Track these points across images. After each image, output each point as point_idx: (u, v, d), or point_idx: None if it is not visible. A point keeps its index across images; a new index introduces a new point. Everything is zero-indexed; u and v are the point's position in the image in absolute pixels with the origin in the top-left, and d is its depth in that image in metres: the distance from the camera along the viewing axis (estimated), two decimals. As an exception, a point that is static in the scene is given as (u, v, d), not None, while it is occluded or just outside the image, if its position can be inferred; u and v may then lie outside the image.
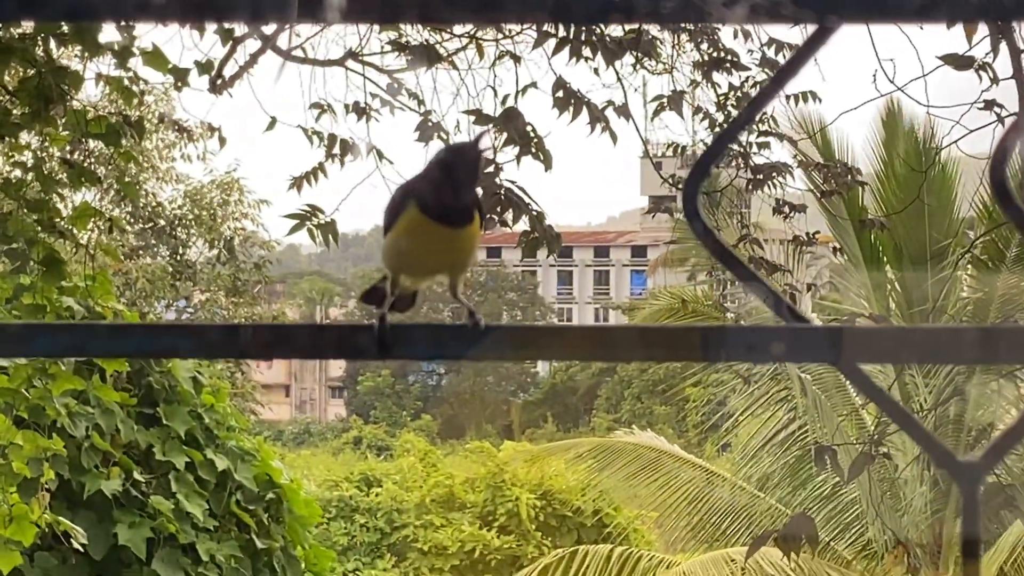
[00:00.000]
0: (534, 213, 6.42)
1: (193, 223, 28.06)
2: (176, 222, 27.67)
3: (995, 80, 5.62)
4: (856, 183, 8.79)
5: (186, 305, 28.71)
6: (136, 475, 9.18)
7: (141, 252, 24.87)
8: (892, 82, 6.10)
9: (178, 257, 27.58)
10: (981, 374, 14.96)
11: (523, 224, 7.35)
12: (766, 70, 7.51)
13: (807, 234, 8.67)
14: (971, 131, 6.42)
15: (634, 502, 20.71)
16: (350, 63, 7.53)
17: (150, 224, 26.29)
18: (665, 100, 7.46)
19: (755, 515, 16.66)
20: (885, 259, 16.08)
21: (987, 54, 5.53)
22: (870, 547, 16.07)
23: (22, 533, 6.05)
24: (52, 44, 6.36)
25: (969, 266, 15.45)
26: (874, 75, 6.26)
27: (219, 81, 7.16)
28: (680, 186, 8.46)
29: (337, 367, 66.36)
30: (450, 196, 1.61)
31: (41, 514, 6.35)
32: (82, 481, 8.86)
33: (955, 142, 6.92)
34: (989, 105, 5.74)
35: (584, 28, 7.47)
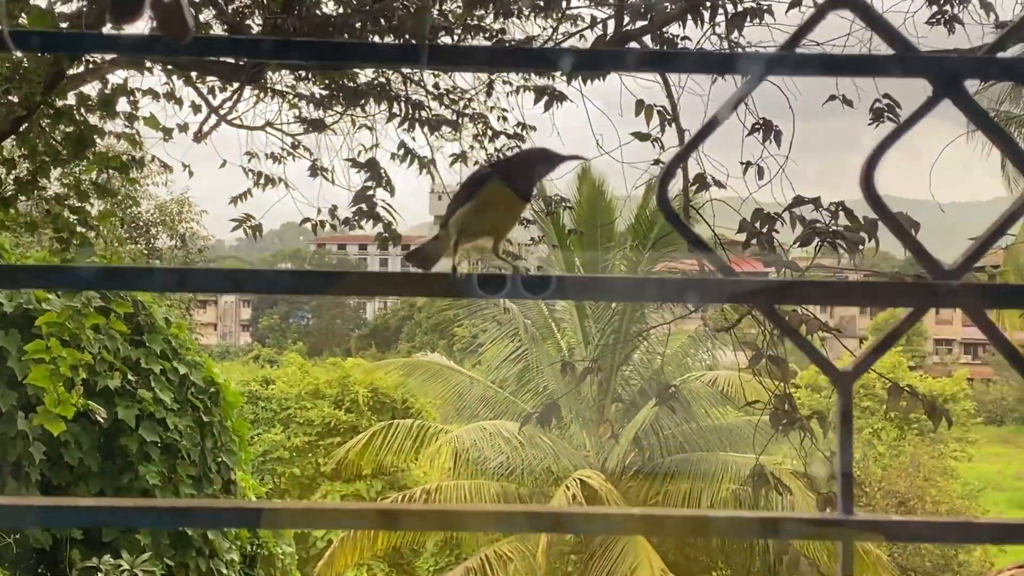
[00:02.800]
0: (385, 222, 7.22)
1: (160, 224, 31.17)
2: (150, 223, 30.57)
3: (663, 147, 6.21)
4: (565, 207, 10.94)
5: None
6: (129, 376, 10.50)
7: (128, 241, 27.21)
8: (600, 147, 6.70)
9: (151, 245, 30.52)
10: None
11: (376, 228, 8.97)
12: (516, 141, 8.25)
13: (535, 237, 10.05)
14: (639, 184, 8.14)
15: (426, 395, 23.20)
16: (268, 128, 8.15)
17: (134, 224, 28.92)
18: (457, 156, 8.28)
19: (497, 403, 19.05)
20: (575, 251, 19.01)
21: (658, 132, 6.29)
22: (566, 423, 18.61)
23: (66, 411, 6.78)
24: (83, 109, 6.71)
25: (622, 257, 18.76)
26: (597, 141, 6.83)
27: (198, 134, 7.57)
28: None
29: (246, 313, 71.91)
30: (526, 177, 1.62)
31: (77, 399, 7.05)
32: (97, 380, 10.07)
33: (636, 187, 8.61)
34: (657, 162, 6.39)
35: (413, 110, 9.06)
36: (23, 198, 6.95)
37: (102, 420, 9.21)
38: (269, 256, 70.97)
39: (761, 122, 5.78)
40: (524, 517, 0.93)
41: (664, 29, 5.89)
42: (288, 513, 1.08)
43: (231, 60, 6.78)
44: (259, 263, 71.91)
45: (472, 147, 8.51)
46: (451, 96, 7.97)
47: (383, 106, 7.97)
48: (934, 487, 23.99)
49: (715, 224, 5.46)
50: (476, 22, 6.71)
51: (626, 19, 5.88)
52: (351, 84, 7.84)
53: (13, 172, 6.95)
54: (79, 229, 7.00)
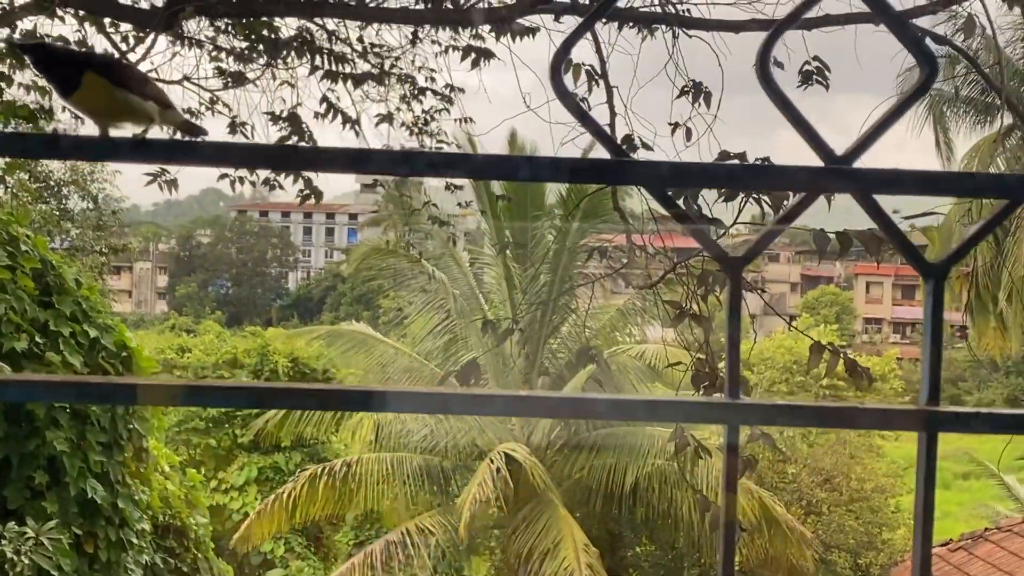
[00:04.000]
0: (306, 178, 7.30)
1: (72, 184, 30.47)
2: (61, 183, 29.84)
3: (590, 107, 7.54)
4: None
5: (66, 238, 31.00)
6: (37, 339, 10.27)
7: (39, 201, 26.70)
8: (528, 106, 6.73)
9: (62, 206, 29.85)
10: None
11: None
12: (444, 103, 8.48)
13: (464, 203, 10.32)
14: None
15: (348, 366, 22.69)
16: (186, 83, 8.06)
17: (43, 183, 28.25)
18: (383, 116, 8.24)
19: (422, 375, 19.01)
20: (504, 219, 19.17)
21: (585, 91, 7.58)
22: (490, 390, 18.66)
23: None
24: None
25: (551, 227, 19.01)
26: (524, 100, 6.81)
27: None
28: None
29: (163, 280, 71.52)
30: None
31: None
32: (2, 342, 9.87)
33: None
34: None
35: (336, 63, 9.00)
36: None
37: None
38: (187, 222, 70.08)
39: (691, 83, 5.82)
40: (377, 396, 0.92)
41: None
42: (147, 389, 1.07)
43: (146, 5, 6.67)
44: (177, 228, 71.36)
45: (399, 108, 8.50)
46: (377, 53, 7.92)
47: (305, 59, 7.89)
48: (859, 465, 24.48)
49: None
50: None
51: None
52: (272, 37, 7.76)
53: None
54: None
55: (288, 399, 0.90)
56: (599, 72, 5.84)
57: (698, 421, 0.81)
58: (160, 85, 8.18)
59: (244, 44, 8.13)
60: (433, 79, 8.70)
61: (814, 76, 5.25)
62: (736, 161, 4.60)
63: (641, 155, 5.70)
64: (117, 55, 7.81)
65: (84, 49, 7.51)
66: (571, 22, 5.85)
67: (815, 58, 5.29)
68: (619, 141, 5.66)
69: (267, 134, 8.01)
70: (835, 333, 37.04)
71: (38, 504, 10.48)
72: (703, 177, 0.90)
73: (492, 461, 15.46)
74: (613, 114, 5.69)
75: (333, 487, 16.50)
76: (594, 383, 17.48)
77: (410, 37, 7.34)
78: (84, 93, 1.58)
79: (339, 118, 7.93)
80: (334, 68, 7.75)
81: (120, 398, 0.97)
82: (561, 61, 0.98)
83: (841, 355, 4.60)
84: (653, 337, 19.31)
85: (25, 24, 7.36)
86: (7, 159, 7.34)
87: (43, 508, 10.44)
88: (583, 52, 6.13)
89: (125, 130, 1.63)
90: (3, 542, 9.61)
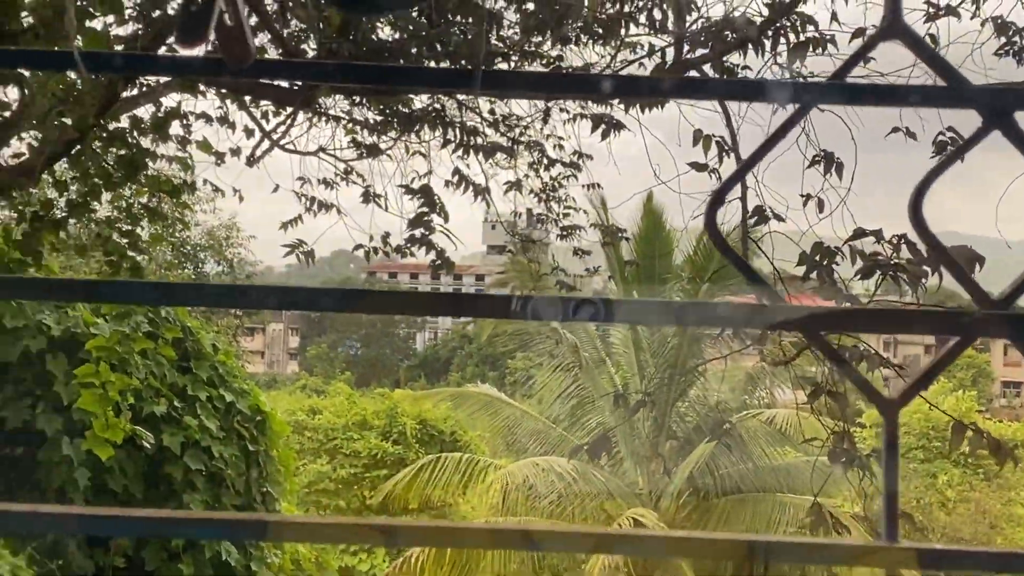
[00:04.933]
0: (439, 249, 7.27)
1: (208, 249, 31.60)
2: (198, 248, 31.00)
3: (720, 178, 6.17)
4: (623, 238, 10.96)
5: None
6: (175, 403, 10.51)
7: (176, 266, 27.60)
8: (658, 178, 6.66)
9: (199, 270, 31.00)
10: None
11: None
12: (573, 170, 8.52)
13: (592, 268, 9.97)
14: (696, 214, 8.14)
15: (475, 427, 23.23)
16: (321, 154, 8.29)
17: (182, 248, 29.27)
18: (512, 184, 8.39)
19: (549, 438, 19.03)
20: (632, 283, 19.03)
21: (716, 162, 6.27)
22: (618, 459, 18.57)
23: (115, 436, 7.03)
24: (135, 132, 6.88)
25: (679, 290, 18.82)
26: (655, 171, 6.73)
27: (251, 159, 7.74)
28: (514, 235, 10.16)
29: (294, 341, 72.94)
30: None
31: (126, 424, 7.27)
32: (143, 406, 9.93)
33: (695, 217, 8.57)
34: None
35: (467, 136, 9.12)
36: (74, 221, 7.08)
37: (149, 446, 9.25)
38: (318, 284, 71.65)
39: (822, 154, 5.77)
40: (517, 535, 0.95)
41: (724, 58, 5.92)
42: (293, 527, 1.11)
43: (286, 84, 6.88)
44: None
45: (527, 175, 8.61)
46: (507, 123, 8.03)
47: (438, 132, 8.01)
48: (1000, 535, 23.57)
49: (774, 257, 5.46)
50: (533, 48, 6.78)
51: (686, 48, 5.91)
52: (406, 110, 7.94)
53: (65, 194, 7.11)
54: (129, 253, 7.10)
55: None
56: (729, 144, 5.84)
57: (857, 564, 0.82)
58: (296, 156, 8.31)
59: (378, 117, 8.31)
60: (561, 147, 8.76)
61: (948, 146, 5.16)
62: (872, 239, 4.55)
63: (773, 227, 5.66)
64: (257, 130, 8.01)
65: (226, 126, 7.71)
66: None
67: (949, 128, 5.20)
68: (749, 213, 5.63)
69: (400, 204, 8.09)
70: (973, 398, 35.86)
71: (174, 566, 10.72)
72: (862, 319, 0.91)
73: (620, 526, 15.31)
74: (744, 187, 5.66)
75: (460, 550, 16.53)
76: (723, 448, 17.25)
77: (541, 109, 7.44)
78: None
79: (471, 189, 7.98)
80: (465, 140, 7.84)
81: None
82: (716, 208, 1.01)
83: (984, 435, 4.47)
84: (782, 399, 18.99)
85: (169, 101, 7.60)
86: (151, 233, 7.52)
87: (179, 570, 10.67)
88: (714, 124, 6.13)
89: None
90: (140, 603, 9.84)
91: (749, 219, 5.61)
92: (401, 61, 6.31)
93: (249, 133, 8.03)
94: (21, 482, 10.56)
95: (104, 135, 6.91)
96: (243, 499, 11.42)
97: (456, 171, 7.80)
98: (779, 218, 5.85)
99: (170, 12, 6.70)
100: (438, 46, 6.57)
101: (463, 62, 6.31)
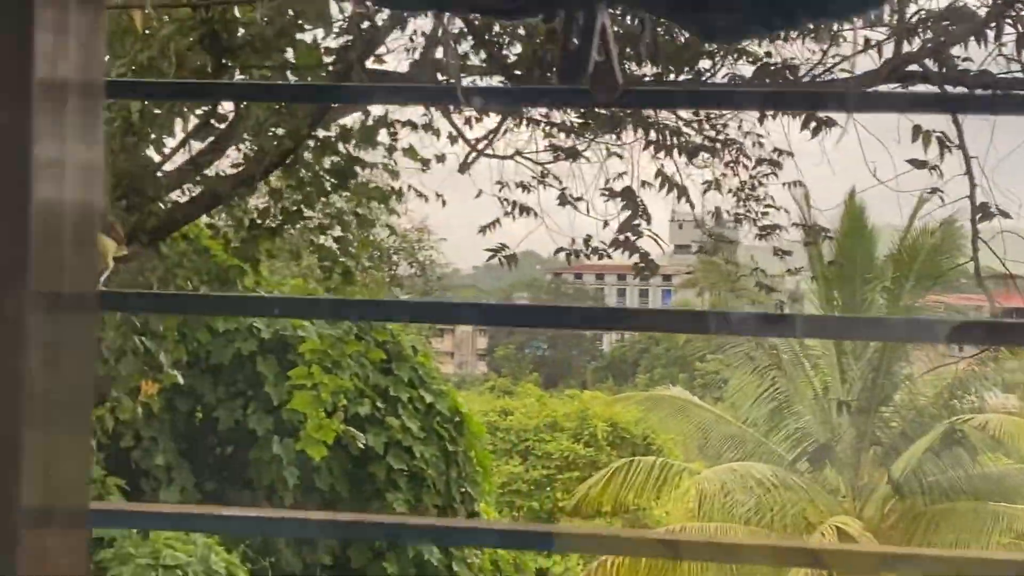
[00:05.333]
0: (642, 252, 7.33)
1: (401, 251, 32.50)
2: (392, 251, 31.93)
3: (942, 175, 6.06)
4: (826, 238, 10.60)
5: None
6: (378, 404, 10.99)
7: (371, 269, 28.35)
8: (875, 176, 6.58)
9: (392, 273, 31.96)
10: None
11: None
12: (773, 167, 8.27)
13: (793, 268, 9.69)
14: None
15: (668, 431, 23.00)
16: (517, 158, 8.33)
17: (377, 251, 30.04)
18: (710, 183, 8.26)
19: (746, 443, 18.64)
20: (834, 283, 18.38)
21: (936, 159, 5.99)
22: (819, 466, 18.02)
23: (327, 436, 7.17)
24: (345, 141, 7.17)
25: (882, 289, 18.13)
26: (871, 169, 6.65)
27: (463, 166, 7.79)
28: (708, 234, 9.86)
29: (482, 342, 74.34)
30: None
31: (338, 425, 7.39)
32: (349, 407, 9.57)
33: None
34: (935, 191, 6.36)
35: (669, 137, 8.99)
36: (288, 227, 7.33)
37: (361, 446, 9.50)
38: (506, 285, 72.05)
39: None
40: (803, 554, 0.91)
41: (945, 51, 5.67)
42: (578, 538, 1.10)
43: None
44: (496, 292, 73.68)
45: (724, 174, 8.44)
46: (709, 122, 7.92)
47: (639, 133, 7.95)
48: None
49: (1006, 257, 5.21)
50: (741, 46, 6.65)
51: (904, 41, 5.69)
52: (606, 112, 7.90)
53: (280, 202, 7.32)
54: (340, 259, 7.27)
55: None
56: (951, 140, 5.59)
57: None
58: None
59: (578, 119, 8.31)
60: (761, 144, 8.60)
61: None
62: None
63: (1004, 225, 5.41)
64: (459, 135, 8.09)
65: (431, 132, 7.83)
66: (920, 88, 5.63)
67: None
68: (976, 208, 5.40)
69: (593, 206, 8.08)
70: None
71: (379, 565, 10.97)
72: None
73: (823, 535, 14.95)
74: (973, 184, 5.42)
75: (656, 556, 16.39)
76: (931, 454, 16.67)
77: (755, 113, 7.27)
78: None
79: (670, 189, 7.90)
80: (667, 140, 7.77)
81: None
82: None
83: None
84: (993, 403, 18.23)
85: (376, 110, 7.73)
86: (361, 239, 7.68)
87: (384, 568, 10.92)
88: (934, 118, 5.85)
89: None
90: (349, 601, 10.11)
91: (977, 216, 5.35)
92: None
93: (453, 140, 7.90)
94: (233, 480, 10.99)
95: (316, 144, 7.07)
96: (444, 499, 11.61)
97: (659, 172, 7.72)
98: (1005, 215, 5.57)
99: (379, 24, 6.83)
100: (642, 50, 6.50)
101: (669, 67, 6.25)
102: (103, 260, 1.88)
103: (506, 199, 8.38)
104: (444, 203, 8.92)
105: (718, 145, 8.44)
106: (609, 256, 8.52)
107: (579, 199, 8.36)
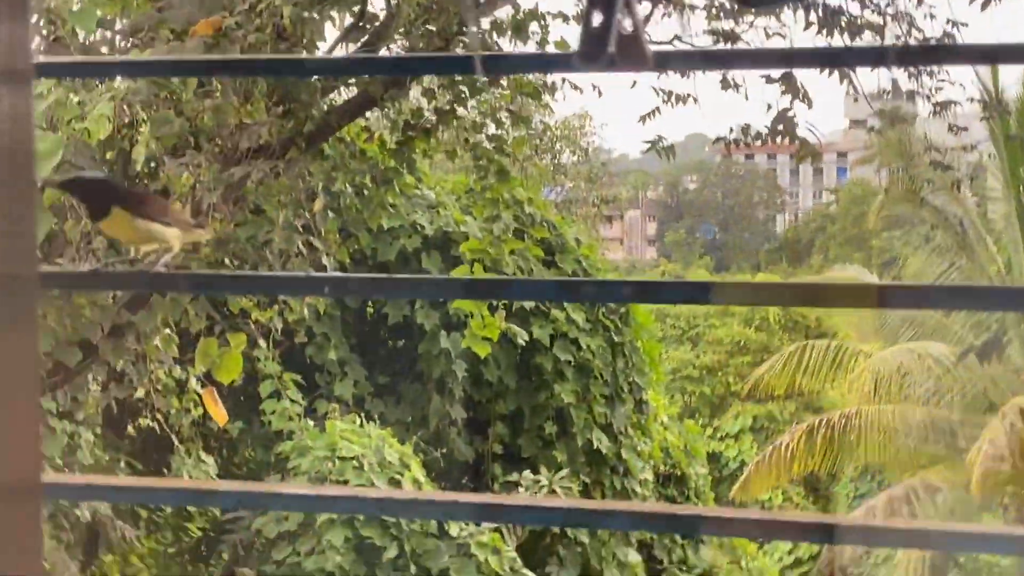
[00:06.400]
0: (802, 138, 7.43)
1: (564, 139, 32.36)
2: (555, 139, 31.82)
3: None
4: (1005, 112, 10.17)
5: (561, 191, 33.55)
6: None
7: (534, 158, 28.59)
8: None
9: (556, 161, 31.86)
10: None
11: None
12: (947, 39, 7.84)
13: (968, 144, 9.77)
14: None
15: (842, 312, 22.62)
16: (676, 42, 7.66)
17: (538, 140, 30.10)
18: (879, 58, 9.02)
19: (924, 323, 17.96)
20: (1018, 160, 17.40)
21: None
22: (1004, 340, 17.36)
23: (491, 333, 7.09)
24: (496, 35, 7.26)
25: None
26: None
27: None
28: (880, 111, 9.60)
29: (652, 228, 73.68)
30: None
31: (500, 322, 7.25)
32: (515, 301, 10.40)
33: None
34: None
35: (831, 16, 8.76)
36: (442, 127, 7.41)
37: (523, 342, 9.67)
38: (673, 168, 71.00)
39: None
40: None
41: None
42: (726, 522, 1.11)
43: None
44: (664, 175, 72.65)
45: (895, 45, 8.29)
46: (872, 2, 7.65)
47: (799, 14, 7.74)
48: None
49: None
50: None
51: None
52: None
53: (432, 102, 7.41)
54: (495, 157, 7.33)
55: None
56: None
57: None
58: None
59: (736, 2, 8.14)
60: (932, 16, 8.28)
61: None
62: None
63: None
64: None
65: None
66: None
67: None
68: None
69: (757, 91, 7.93)
70: None
71: (549, 453, 11.23)
72: None
73: (1004, 415, 14.59)
74: None
75: (831, 439, 16.27)
76: None
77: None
78: (110, 223, 1.88)
79: (836, 72, 7.73)
80: (829, 19, 7.56)
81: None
82: None
83: None
84: None
85: (526, 3, 7.68)
86: (515, 137, 7.69)
87: (553, 457, 11.17)
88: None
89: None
90: (520, 489, 10.40)
91: None
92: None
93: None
94: (404, 373, 11.35)
95: (466, 41, 7.10)
96: (610, 388, 11.78)
97: (819, 53, 7.49)
98: None
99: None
100: None
101: None
102: (165, 245, 2.01)
103: (661, 89, 8.28)
104: (600, 93, 8.87)
105: (887, 20, 8.16)
106: (774, 141, 8.41)
107: (738, 85, 8.22)
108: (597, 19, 1.02)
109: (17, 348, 0.70)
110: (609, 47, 1.02)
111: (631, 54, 1.03)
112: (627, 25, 1.03)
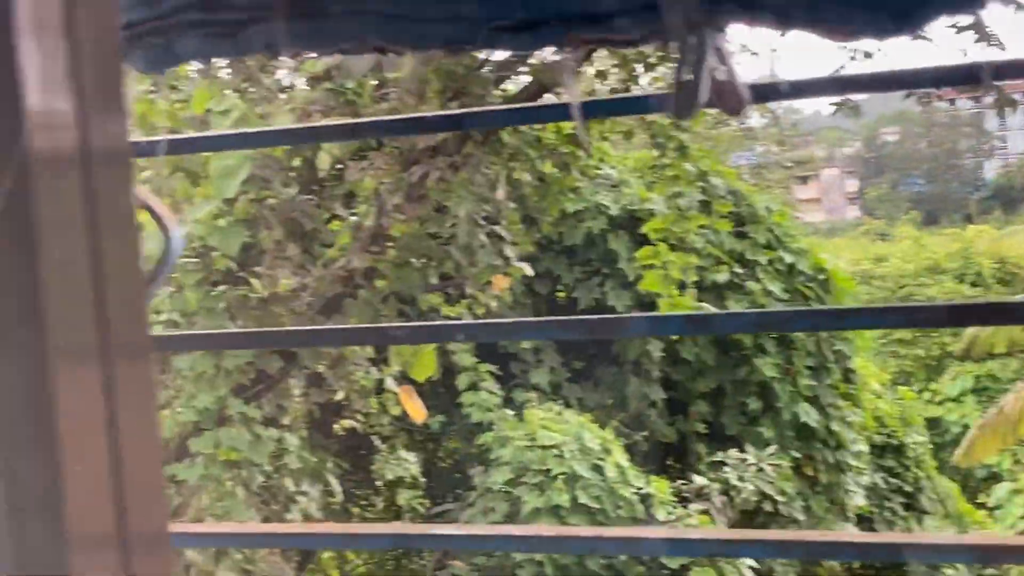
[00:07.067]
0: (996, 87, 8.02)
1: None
2: (745, 99, 31.25)
3: None
4: None
5: (751, 156, 33.01)
6: (736, 269, 11.07)
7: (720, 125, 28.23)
8: None
9: (744, 124, 31.30)
10: None
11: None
12: None
13: None
14: None
15: None
16: None
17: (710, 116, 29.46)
18: None
19: None
20: None
21: None
22: None
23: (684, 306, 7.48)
24: None
25: None
26: None
27: None
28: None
29: (852, 184, 71.28)
30: None
31: (690, 300, 7.65)
32: (705, 276, 10.43)
33: None
34: None
35: None
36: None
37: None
38: (871, 122, 68.78)
39: None
40: None
41: None
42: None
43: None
44: (861, 129, 70.22)
45: None
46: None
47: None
48: None
49: None
50: None
51: None
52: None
53: (604, 82, 7.38)
54: (672, 133, 7.32)
55: None
56: None
57: None
58: None
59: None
60: None
61: None
62: None
63: None
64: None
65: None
66: None
67: None
68: None
69: (947, 41, 7.63)
70: None
71: (754, 430, 11.06)
72: None
73: None
74: None
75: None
76: None
77: None
78: None
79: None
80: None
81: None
82: None
83: None
84: None
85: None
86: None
87: (759, 434, 10.99)
88: None
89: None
90: (726, 468, 10.28)
91: None
92: None
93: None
94: (600, 357, 11.35)
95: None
96: (815, 359, 11.51)
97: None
98: None
99: None
100: None
101: None
102: None
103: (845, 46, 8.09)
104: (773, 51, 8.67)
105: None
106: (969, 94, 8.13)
107: (926, 37, 7.94)
108: (687, 75, 1.04)
109: (138, 410, 0.74)
110: (699, 104, 1.04)
111: (728, 101, 1.05)
112: (721, 73, 1.04)
